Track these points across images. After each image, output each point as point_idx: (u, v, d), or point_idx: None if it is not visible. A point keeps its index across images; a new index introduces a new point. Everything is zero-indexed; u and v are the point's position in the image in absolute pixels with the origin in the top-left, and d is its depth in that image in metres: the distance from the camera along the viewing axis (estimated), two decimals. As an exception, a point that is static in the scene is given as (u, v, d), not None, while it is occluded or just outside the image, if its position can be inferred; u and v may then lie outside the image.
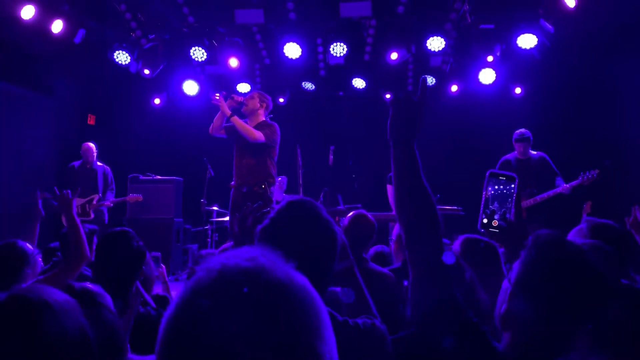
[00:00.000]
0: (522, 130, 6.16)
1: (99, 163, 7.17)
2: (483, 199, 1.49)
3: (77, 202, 6.80)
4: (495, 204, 1.48)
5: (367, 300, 1.64)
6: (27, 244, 2.62)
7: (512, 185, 1.50)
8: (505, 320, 1.28)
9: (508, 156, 6.30)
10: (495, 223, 1.47)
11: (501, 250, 2.71)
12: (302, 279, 0.65)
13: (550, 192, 5.82)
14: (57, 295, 1.04)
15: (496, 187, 1.49)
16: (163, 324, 0.62)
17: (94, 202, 6.87)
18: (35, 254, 2.60)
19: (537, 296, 1.23)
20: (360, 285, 1.65)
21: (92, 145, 7.16)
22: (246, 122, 5.25)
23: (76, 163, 7.16)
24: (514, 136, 6.18)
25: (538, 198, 5.92)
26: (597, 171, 5.56)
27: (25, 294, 1.00)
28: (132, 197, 7.25)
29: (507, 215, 1.47)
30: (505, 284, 1.35)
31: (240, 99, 5.36)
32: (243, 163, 5.17)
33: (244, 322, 0.57)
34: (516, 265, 1.33)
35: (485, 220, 1.48)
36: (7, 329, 0.95)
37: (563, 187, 5.72)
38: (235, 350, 0.56)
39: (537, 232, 1.30)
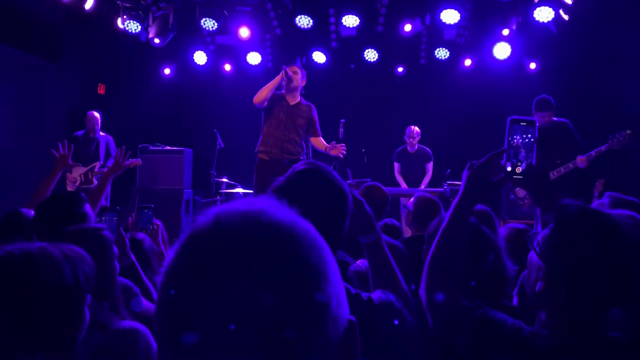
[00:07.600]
0: (547, 96, 5.63)
1: (101, 133, 7.15)
2: (505, 146, 1.48)
3: (80, 170, 6.82)
4: (519, 151, 1.47)
5: (396, 273, 1.60)
6: (31, 211, 2.65)
7: (533, 130, 1.48)
8: (543, 300, 1.28)
9: None
10: (518, 170, 1.45)
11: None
12: (305, 223, 0.62)
13: (571, 165, 5.41)
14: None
15: (517, 133, 1.48)
16: (163, 273, 0.61)
17: (96, 169, 6.89)
18: None
19: (576, 272, 1.21)
20: (388, 258, 1.61)
21: (97, 114, 7.13)
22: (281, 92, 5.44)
23: (79, 132, 7.13)
24: (538, 105, 5.61)
25: (562, 169, 5.48)
26: (628, 131, 5.04)
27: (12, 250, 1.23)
28: (132, 161, 7.04)
29: (530, 161, 1.45)
30: (535, 258, 1.32)
31: (291, 74, 5.37)
32: (290, 137, 5.33)
33: (243, 264, 0.55)
34: (543, 239, 1.30)
35: (509, 168, 1.45)
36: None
37: (578, 159, 5.32)
38: (235, 294, 0.54)
39: (563, 205, 1.27)
